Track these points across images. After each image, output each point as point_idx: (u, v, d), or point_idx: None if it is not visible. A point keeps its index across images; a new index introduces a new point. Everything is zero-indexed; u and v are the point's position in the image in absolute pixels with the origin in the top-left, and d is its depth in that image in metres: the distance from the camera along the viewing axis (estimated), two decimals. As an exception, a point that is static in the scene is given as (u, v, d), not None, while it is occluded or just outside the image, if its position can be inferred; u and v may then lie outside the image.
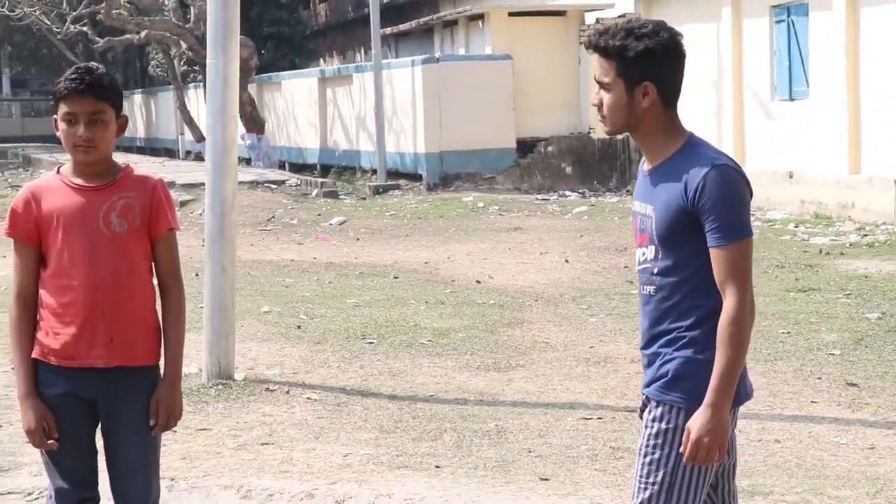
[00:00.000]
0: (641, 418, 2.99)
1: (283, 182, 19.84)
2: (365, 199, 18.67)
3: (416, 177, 19.97)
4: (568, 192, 19.14)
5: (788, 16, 16.22)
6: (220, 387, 6.46)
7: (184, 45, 24.59)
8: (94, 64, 3.30)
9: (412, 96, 19.90)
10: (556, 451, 5.26)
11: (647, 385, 2.94)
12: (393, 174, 20.37)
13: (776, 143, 16.30)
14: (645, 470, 2.90)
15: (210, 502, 4.76)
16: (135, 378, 3.31)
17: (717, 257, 2.81)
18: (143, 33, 25.00)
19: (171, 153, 33.19)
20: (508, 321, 8.40)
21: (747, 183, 2.86)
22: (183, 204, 17.19)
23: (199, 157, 27.76)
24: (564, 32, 20.58)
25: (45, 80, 46.02)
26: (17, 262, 3.26)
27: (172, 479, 4.94)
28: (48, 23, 26.68)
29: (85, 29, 27.28)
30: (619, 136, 20.07)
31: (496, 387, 6.50)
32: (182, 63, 30.51)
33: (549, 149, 20.17)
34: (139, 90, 39.60)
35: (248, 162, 23.44)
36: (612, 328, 8.11)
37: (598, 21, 20.34)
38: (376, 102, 19.98)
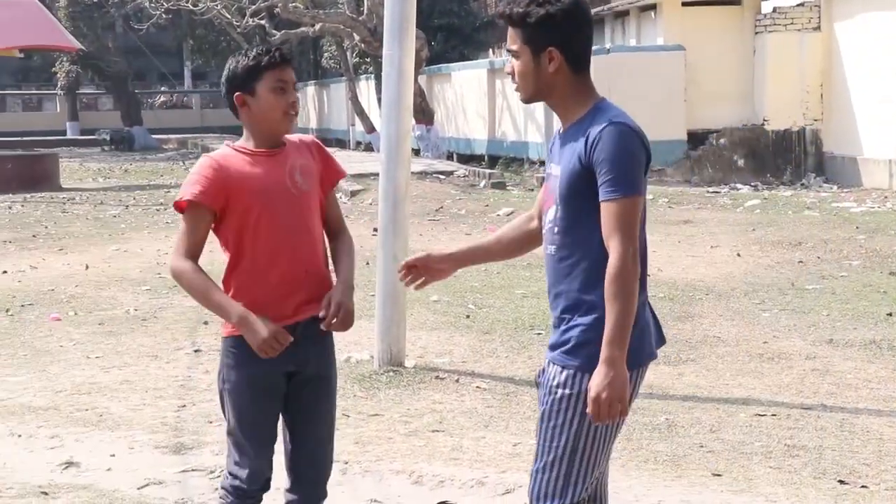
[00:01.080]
0: (537, 382, 3.04)
1: (451, 173, 20.01)
2: (532, 189, 18.64)
3: (584, 168, 19.83)
4: (740, 185, 18.71)
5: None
6: (392, 374, 6.58)
7: (356, 38, 25.03)
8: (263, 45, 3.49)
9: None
10: (729, 447, 5.17)
11: (552, 349, 2.98)
12: (560, 165, 20.27)
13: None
14: (549, 434, 2.96)
15: (382, 487, 4.86)
16: (325, 342, 3.44)
17: (604, 211, 2.83)
18: (317, 26, 25.55)
19: (342, 143, 33.86)
20: (678, 315, 8.28)
21: (645, 146, 2.87)
22: (353, 194, 17.54)
23: (369, 148, 28.25)
24: (739, 22, 20.10)
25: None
26: (193, 227, 3.32)
27: (346, 463, 5.06)
28: (228, 16, 27.55)
29: (263, 22, 28.07)
30: (795, 129, 19.62)
31: (666, 380, 6.42)
32: (354, 55, 31.08)
33: (721, 141, 19.76)
34: (312, 81, 40.51)
35: (416, 153, 23.71)
36: (786, 324, 7.91)
37: (775, 10, 19.82)
38: (545, 93, 19.90)
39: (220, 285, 3.36)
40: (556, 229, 2.96)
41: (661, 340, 3.08)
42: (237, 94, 3.37)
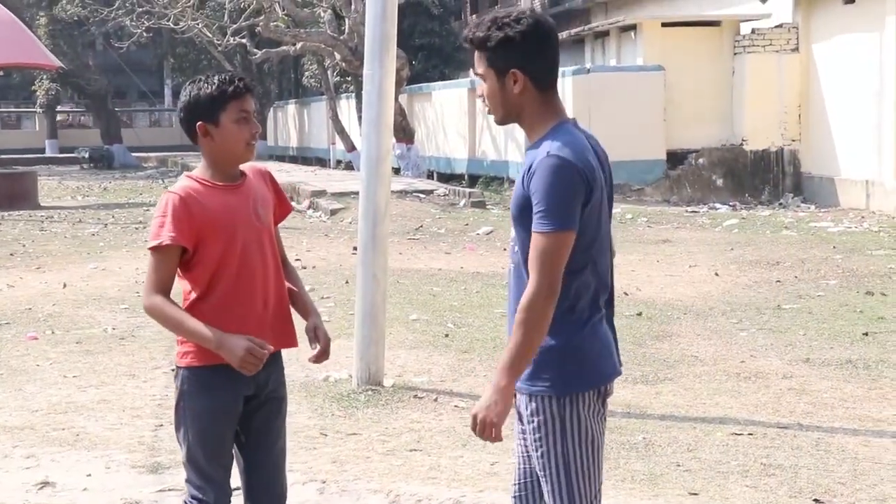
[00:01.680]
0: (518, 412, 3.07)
1: (431, 192, 20.04)
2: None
3: (563, 187, 19.89)
4: (718, 205, 18.81)
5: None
6: (370, 392, 6.58)
7: (337, 57, 25.07)
8: (230, 70, 3.49)
9: (561, 107, 19.87)
10: (706, 466, 5.19)
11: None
12: (541, 185, 20.34)
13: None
14: (541, 463, 3.00)
15: (359, 505, 4.85)
16: (279, 364, 3.51)
17: (532, 241, 2.87)
18: (298, 45, 25.59)
19: (322, 162, 33.87)
20: (657, 334, 8.31)
21: (584, 179, 2.86)
22: (334, 212, 17.54)
23: (350, 167, 28.27)
24: (719, 43, 20.24)
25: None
26: (163, 265, 3.32)
27: (323, 482, 5.05)
28: (210, 35, 27.56)
29: (244, 41, 28.09)
30: (773, 149, 19.75)
31: (644, 399, 6.45)
32: (335, 74, 31.13)
33: (700, 160, 19.87)
34: (293, 100, 40.53)
35: (396, 171, 23.75)
36: (764, 343, 7.95)
37: (753, 31, 19.97)
38: (525, 113, 19.99)
39: None
40: (515, 248, 3.02)
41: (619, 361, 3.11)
42: (200, 123, 3.35)
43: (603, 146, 3.13)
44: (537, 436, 2.99)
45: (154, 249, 3.31)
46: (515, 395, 3.03)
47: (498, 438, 2.88)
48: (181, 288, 3.41)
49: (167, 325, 3.37)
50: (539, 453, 3.00)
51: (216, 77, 3.38)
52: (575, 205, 2.86)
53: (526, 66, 2.95)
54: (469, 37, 3.00)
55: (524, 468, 3.14)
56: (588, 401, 2.97)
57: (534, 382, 2.97)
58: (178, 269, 3.37)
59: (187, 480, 3.45)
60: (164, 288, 3.32)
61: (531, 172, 2.87)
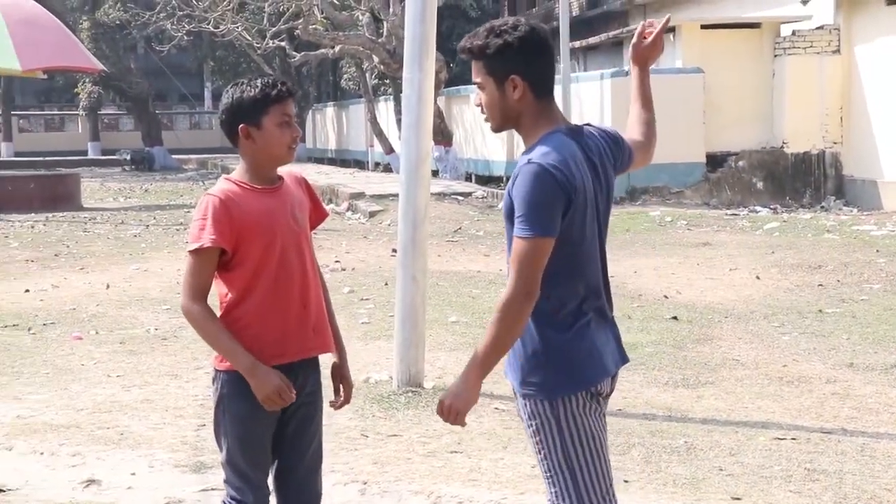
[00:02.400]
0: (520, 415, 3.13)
1: (469, 194, 20.05)
2: (551, 211, 18.69)
3: (602, 190, 19.84)
4: (759, 208, 18.68)
5: None
6: (410, 394, 6.60)
7: (376, 59, 25.15)
8: (271, 74, 3.51)
9: (600, 109, 19.82)
10: (748, 471, 5.16)
11: (512, 377, 3.10)
12: (579, 187, 20.30)
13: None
14: (544, 465, 3.05)
15: (401, 506, 4.87)
16: (317, 368, 3.51)
17: (513, 244, 2.94)
18: (337, 48, 25.68)
19: (360, 164, 33.97)
20: (697, 337, 8.28)
21: (562, 186, 2.89)
22: (372, 214, 17.59)
23: (388, 169, 28.34)
24: (759, 45, 20.11)
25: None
26: (202, 269, 3.32)
27: (365, 483, 5.07)
28: (249, 38, 27.72)
29: (283, 44, 28.24)
30: (815, 152, 19.60)
31: (685, 403, 6.42)
32: (373, 77, 31.22)
33: (740, 163, 19.75)
34: (331, 103, 40.68)
35: (435, 174, 23.77)
36: (806, 347, 7.89)
37: (794, 33, 19.83)
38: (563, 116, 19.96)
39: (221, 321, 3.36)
40: (509, 250, 3.07)
41: (624, 359, 3.16)
42: (242, 125, 3.36)
43: (627, 146, 3.19)
44: (536, 439, 3.04)
45: (194, 252, 3.31)
46: (517, 398, 3.09)
47: (462, 424, 3.01)
48: (217, 290, 3.40)
49: (203, 336, 3.37)
50: (541, 456, 3.05)
51: (259, 80, 3.38)
52: (554, 212, 2.91)
53: (524, 72, 3.00)
54: (467, 46, 3.05)
55: None
56: (581, 400, 3.02)
57: (526, 386, 3.03)
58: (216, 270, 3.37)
59: (226, 481, 3.48)
60: (202, 293, 3.32)
61: (514, 178, 2.95)
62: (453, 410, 2.98)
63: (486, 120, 3.10)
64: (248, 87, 3.36)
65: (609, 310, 3.14)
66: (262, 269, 3.34)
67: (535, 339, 3.00)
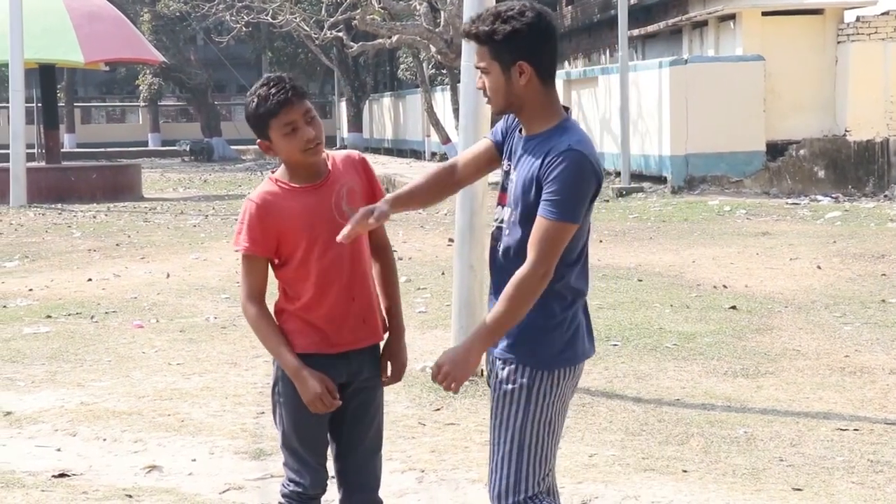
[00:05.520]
0: (489, 383, 3.17)
1: (526, 183, 19.98)
2: (608, 201, 18.59)
3: (660, 179, 19.71)
4: (820, 197, 18.44)
5: None
6: (468, 383, 6.59)
7: (433, 49, 25.15)
8: (270, 75, 3.47)
9: (658, 98, 19.67)
10: (810, 462, 5.11)
11: (494, 344, 3.10)
12: (636, 177, 20.18)
13: None
14: (496, 432, 3.10)
15: (458, 495, 4.88)
16: (375, 354, 3.51)
17: (537, 223, 2.97)
18: (394, 38, 25.72)
19: (417, 154, 34.04)
20: (757, 327, 8.19)
21: (596, 174, 2.99)
22: (430, 204, 17.59)
23: (444, 159, 28.33)
24: (821, 31, 19.83)
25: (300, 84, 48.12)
26: (251, 271, 3.39)
27: (422, 471, 5.09)
28: (307, 29, 27.87)
29: (340, 34, 28.36)
30: (878, 140, 19.29)
31: (745, 393, 6.36)
32: (430, 66, 31.25)
33: (801, 152, 19.50)
34: (388, 93, 40.80)
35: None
36: (869, 337, 7.77)
37: (858, 19, 19.51)
38: (622, 104, 19.85)
39: (275, 317, 3.44)
40: (507, 231, 3.10)
41: (593, 349, 3.22)
42: (259, 141, 3.45)
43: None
44: (500, 403, 3.09)
45: (241, 255, 3.42)
46: (495, 362, 3.13)
47: (455, 391, 3.03)
48: (276, 282, 3.48)
49: (255, 333, 3.46)
50: (496, 420, 3.10)
51: (257, 93, 3.36)
52: (585, 201, 3.00)
53: (531, 59, 3.01)
54: (473, 31, 3.05)
55: None
56: (558, 380, 3.08)
57: (510, 352, 3.08)
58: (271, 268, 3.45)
59: (284, 464, 3.53)
60: (255, 292, 3.40)
61: (550, 163, 2.96)
62: (451, 377, 3.01)
63: (488, 103, 3.12)
64: (251, 102, 3.39)
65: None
66: (306, 265, 3.38)
67: (547, 313, 3.05)
